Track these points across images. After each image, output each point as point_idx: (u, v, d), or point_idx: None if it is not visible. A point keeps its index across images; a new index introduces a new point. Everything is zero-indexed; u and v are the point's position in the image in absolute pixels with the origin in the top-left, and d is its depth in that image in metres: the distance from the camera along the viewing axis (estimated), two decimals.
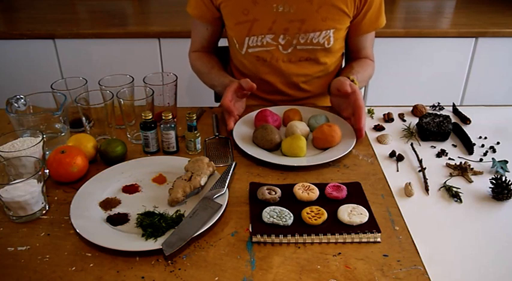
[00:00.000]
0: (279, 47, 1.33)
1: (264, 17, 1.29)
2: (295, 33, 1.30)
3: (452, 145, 1.17)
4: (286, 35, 1.31)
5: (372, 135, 1.21)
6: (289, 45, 1.33)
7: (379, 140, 1.18)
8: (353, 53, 1.47)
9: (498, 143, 1.17)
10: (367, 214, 0.88)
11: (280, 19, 1.29)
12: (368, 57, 1.46)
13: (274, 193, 0.95)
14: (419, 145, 1.17)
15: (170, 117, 1.08)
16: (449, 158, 1.11)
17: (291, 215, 0.89)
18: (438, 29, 2.12)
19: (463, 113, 1.30)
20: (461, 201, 0.96)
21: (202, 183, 0.97)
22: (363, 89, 2.27)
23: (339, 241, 0.85)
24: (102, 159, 1.08)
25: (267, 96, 1.45)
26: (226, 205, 0.92)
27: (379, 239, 0.85)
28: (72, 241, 0.85)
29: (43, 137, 0.98)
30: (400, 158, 1.10)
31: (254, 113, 1.25)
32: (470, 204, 0.96)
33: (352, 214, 0.88)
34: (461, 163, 1.07)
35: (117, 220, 0.89)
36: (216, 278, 0.77)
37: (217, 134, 1.20)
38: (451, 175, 1.05)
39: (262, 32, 1.31)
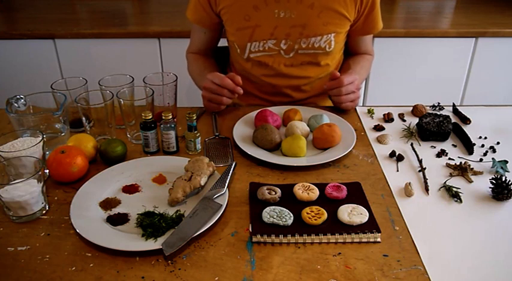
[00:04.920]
0: (280, 52, 1.33)
1: (266, 22, 1.29)
2: (296, 38, 1.31)
3: (452, 145, 1.17)
4: (288, 40, 1.31)
5: (372, 136, 1.21)
6: (290, 50, 1.33)
7: (379, 140, 1.18)
8: (352, 50, 1.48)
9: (498, 143, 1.17)
10: (367, 214, 0.88)
11: (281, 25, 1.29)
12: (367, 52, 1.47)
13: (274, 193, 0.95)
14: (419, 145, 1.17)
15: (170, 117, 1.08)
16: (449, 158, 1.11)
17: (291, 215, 0.89)
18: (438, 29, 2.12)
19: (463, 113, 1.30)
20: (461, 201, 0.96)
21: (202, 183, 0.97)
22: (363, 88, 2.27)
23: (339, 241, 0.85)
24: (102, 159, 1.07)
25: (268, 98, 1.45)
26: (226, 205, 0.92)
27: (379, 239, 0.85)
28: (72, 241, 0.85)
29: (43, 137, 0.98)
30: (400, 158, 1.10)
31: (254, 113, 1.25)
32: (470, 204, 0.96)
33: (352, 214, 0.88)
34: (461, 163, 1.07)
35: (117, 220, 0.89)
36: (216, 278, 0.77)
37: (217, 134, 1.20)
38: (451, 175, 1.05)
39: (264, 37, 1.31)
